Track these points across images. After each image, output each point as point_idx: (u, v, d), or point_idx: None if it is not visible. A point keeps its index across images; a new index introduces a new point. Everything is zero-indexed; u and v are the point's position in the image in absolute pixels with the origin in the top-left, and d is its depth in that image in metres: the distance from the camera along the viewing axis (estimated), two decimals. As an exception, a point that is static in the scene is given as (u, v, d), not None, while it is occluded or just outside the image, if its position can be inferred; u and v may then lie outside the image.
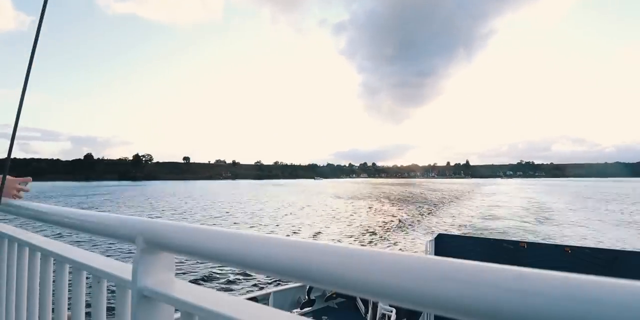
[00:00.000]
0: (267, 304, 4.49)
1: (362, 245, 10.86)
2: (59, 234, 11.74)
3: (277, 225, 18.75)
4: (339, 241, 13.88)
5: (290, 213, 24.94)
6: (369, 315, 4.30)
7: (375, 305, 4.25)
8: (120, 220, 0.78)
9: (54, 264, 1.05)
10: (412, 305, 0.35)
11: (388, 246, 13.39)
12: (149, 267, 0.67)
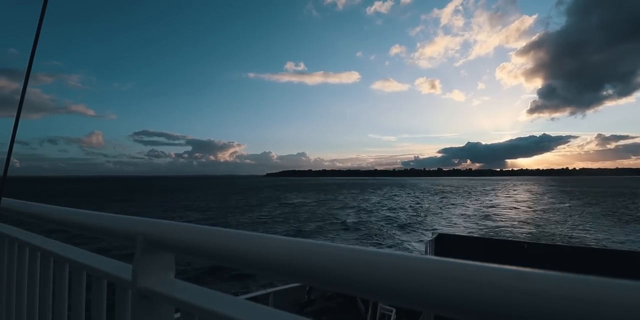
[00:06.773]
0: (267, 304, 4.49)
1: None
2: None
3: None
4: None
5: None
6: (369, 315, 4.30)
7: (375, 305, 4.25)
8: (120, 220, 0.78)
9: (54, 264, 1.05)
10: (412, 305, 0.35)
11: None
12: (149, 267, 0.67)
